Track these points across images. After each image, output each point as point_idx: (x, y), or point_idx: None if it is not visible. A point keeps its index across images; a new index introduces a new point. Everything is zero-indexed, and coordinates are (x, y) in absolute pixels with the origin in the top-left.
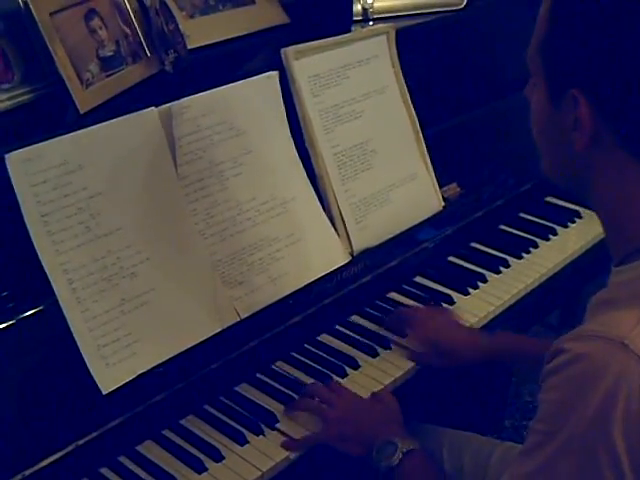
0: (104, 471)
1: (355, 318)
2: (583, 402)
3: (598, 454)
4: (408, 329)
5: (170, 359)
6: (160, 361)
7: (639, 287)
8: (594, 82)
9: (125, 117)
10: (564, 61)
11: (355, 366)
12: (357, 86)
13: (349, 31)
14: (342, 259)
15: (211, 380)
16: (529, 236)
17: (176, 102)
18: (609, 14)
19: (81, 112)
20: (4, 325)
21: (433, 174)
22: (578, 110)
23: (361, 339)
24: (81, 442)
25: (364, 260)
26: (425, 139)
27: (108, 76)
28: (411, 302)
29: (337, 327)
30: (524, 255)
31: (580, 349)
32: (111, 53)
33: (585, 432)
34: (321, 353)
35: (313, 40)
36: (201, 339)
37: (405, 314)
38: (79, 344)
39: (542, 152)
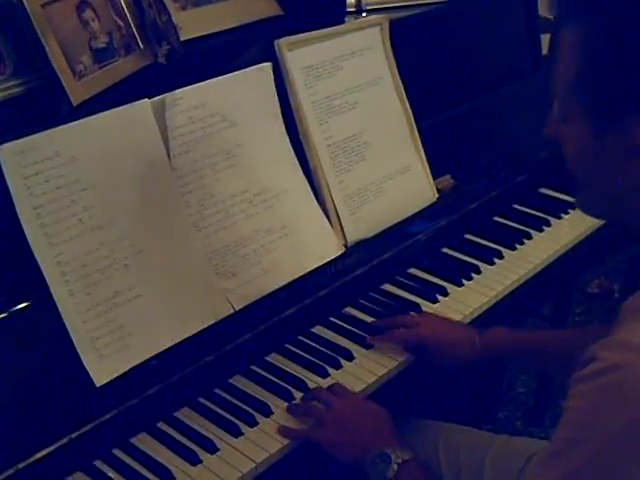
0: (98, 464)
1: (349, 310)
2: (613, 414)
3: (624, 468)
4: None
5: (164, 351)
6: (154, 353)
7: None
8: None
9: (118, 109)
10: (609, 91)
11: (349, 358)
12: (351, 78)
13: (342, 22)
14: (336, 251)
15: (205, 372)
16: (523, 227)
17: (169, 94)
18: None
19: (74, 104)
20: None
21: (427, 166)
22: (635, 137)
23: (355, 331)
24: (75, 435)
25: (358, 252)
26: (419, 131)
27: (101, 68)
28: (405, 294)
29: (331, 319)
30: (518, 246)
31: (614, 359)
32: (104, 45)
33: (613, 445)
34: (315, 345)
35: (306, 31)
36: (195, 331)
37: (394, 321)
38: (72, 336)
39: (586, 188)
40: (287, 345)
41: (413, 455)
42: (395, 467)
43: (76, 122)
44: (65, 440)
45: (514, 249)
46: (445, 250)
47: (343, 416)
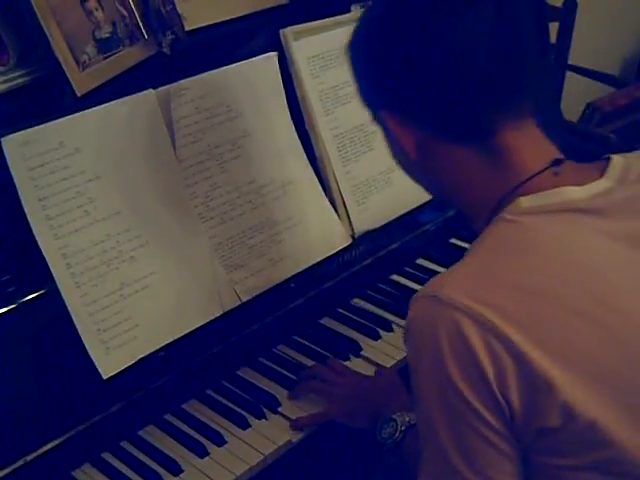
0: (106, 456)
1: (357, 301)
2: (421, 361)
3: (452, 403)
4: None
5: (171, 343)
6: (161, 345)
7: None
8: (387, 99)
9: (123, 99)
10: (366, 91)
11: (357, 349)
12: None
13: (348, 11)
14: (343, 242)
15: (213, 364)
16: None
17: (174, 84)
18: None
19: (78, 95)
20: (5, 309)
21: None
22: (390, 126)
23: (363, 322)
24: (82, 427)
25: (365, 242)
26: None
27: (105, 58)
28: (413, 284)
29: (339, 310)
30: None
31: (409, 314)
32: (107, 35)
33: (432, 388)
34: (323, 336)
35: (312, 20)
36: (202, 323)
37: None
38: (78, 329)
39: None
40: (295, 337)
41: None
42: (402, 428)
43: (81, 113)
44: (73, 432)
45: None
46: (454, 240)
47: (350, 386)
